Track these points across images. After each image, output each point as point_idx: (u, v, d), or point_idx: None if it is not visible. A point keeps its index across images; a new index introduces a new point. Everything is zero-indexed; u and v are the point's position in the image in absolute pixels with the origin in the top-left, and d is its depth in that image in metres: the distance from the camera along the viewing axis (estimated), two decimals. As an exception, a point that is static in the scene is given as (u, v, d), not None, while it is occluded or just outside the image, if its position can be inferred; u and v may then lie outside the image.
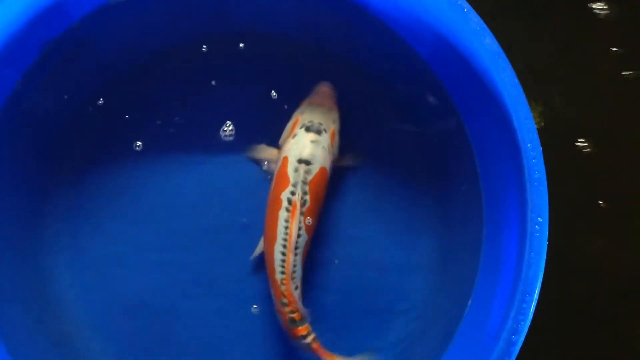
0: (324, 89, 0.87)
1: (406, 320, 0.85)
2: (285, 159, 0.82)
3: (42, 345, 0.81)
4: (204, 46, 0.88)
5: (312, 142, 0.82)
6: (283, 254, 0.79)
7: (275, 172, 0.83)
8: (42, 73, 0.80)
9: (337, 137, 0.85)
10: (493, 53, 0.72)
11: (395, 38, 0.80)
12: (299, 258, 0.80)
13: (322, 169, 0.82)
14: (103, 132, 0.88)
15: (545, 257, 0.69)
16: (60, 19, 0.78)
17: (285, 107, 0.88)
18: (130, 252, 0.86)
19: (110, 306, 0.85)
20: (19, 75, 0.78)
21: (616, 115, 0.96)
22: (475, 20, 0.73)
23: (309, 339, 0.80)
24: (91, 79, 0.86)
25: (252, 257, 0.85)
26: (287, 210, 0.79)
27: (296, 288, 0.80)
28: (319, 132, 0.83)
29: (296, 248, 0.79)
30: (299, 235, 0.79)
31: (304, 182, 0.80)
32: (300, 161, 0.81)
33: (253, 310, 0.86)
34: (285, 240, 0.79)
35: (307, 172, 0.81)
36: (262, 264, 0.84)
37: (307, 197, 0.80)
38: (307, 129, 0.83)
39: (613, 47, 0.96)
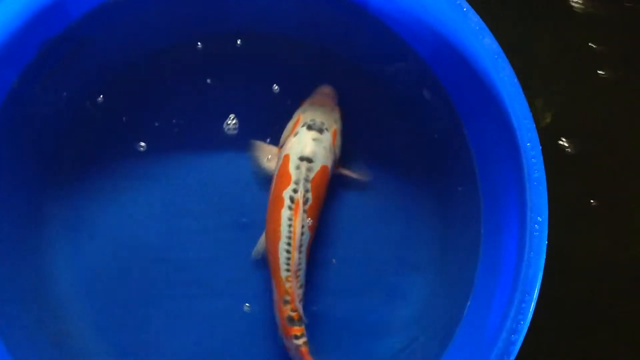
0: (326, 90, 0.87)
1: (405, 320, 0.85)
2: (287, 157, 0.82)
3: (42, 345, 0.81)
4: (199, 44, 0.88)
5: (314, 140, 0.82)
6: (288, 251, 0.79)
7: (276, 171, 0.83)
8: (41, 72, 0.80)
9: (339, 138, 0.85)
10: (492, 52, 0.72)
11: (395, 37, 0.80)
12: (303, 256, 0.80)
13: (324, 168, 0.82)
14: (102, 131, 0.88)
15: (545, 256, 0.69)
16: (58, 17, 0.78)
17: (288, 102, 0.88)
18: (130, 252, 0.86)
19: (110, 306, 0.85)
20: (18, 75, 0.78)
21: (617, 114, 0.96)
22: (474, 19, 0.73)
23: (301, 341, 0.80)
24: (91, 78, 0.86)
25: (253, 255, 0.85)
26: (290, 208, 0.79)
27: (300, 287, 0.80)
28: (320, 131, 0.83)
29: (300, 246, 0.79)
30: (302, 233, 0.79)
31: (306, 180, 0.80)
32: (302, 159, 0.81)
33: (245, 309, 0.86)
34: (289, 238, 0.79)
35: (308, 169, 0.81)
36: (258, 263, 0.84)
37: (309, 195, 0.80)
38: (309, 127, 0.83)
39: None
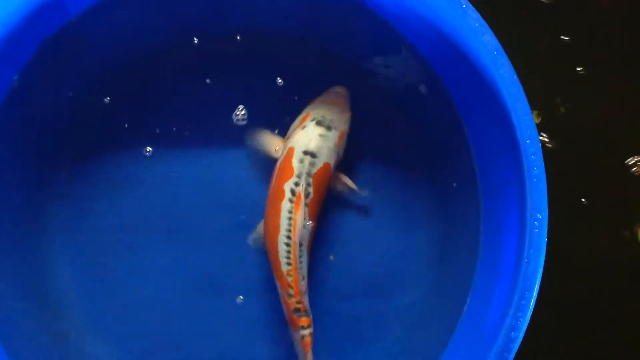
0: (340, 90, 0.87)
1: (405, 317, 0.85)
2: (291, 149, 0.81)
3: (42, 345, 0.81)
4: (198, 41, 0.88)
5: (321, 136, 0.82)
6: (287, 244, 0.78)
7: (279, 163, 0.82)
8: (41, 71, 0.80)
9: (345, 139, 0.85)
10: (492, 49, 0.72)
11: (394, 34, 0.80)
12: (304, 249, 0.80)
13: (326, 165, 0.82)
14: (103, 130, 0.88)
15: (544, 253, 0.69)
16: (57, 15, 0.78)
17: (295, 98, 0.88)
18: (130, 252, 0.86)
19: (110, 306, 0.85)
20: (17, 74, 0.78)
21: (617, 114, 0.96)
22: (474, 16, 0.73)
23: (307, 331, 0.80)
24: (91, 77, 0.86)
25: (249, 242, 0.85)
26: (291, 201, 0.79)
27: (302, 278, 0.80)
28: (328, 128, 0.83)
29: (301, 239, 0.79)
30: (303, 227, 0.79)
31: (308, 174, 0.80)
32: (306, 152, 0.81)
33: (238, 300, 0.86)
34: (289, 231, 0.78)
35: (311, 164, 0.80)
36: (254, 255, 0.84)
37: (311, 189, 0.80)
38: (318, 123, 0.83)
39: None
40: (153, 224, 0.87)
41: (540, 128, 0.91)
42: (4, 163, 0.80)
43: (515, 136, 0.71)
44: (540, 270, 0.68)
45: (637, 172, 0.92)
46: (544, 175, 0.70)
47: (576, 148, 0.94)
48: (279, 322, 0.84)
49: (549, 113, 0.94)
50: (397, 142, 0.89)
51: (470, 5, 0.73)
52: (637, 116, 0.95)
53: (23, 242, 0.84)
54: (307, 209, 0.79)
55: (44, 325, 0.82)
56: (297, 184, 0.79)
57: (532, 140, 0.70)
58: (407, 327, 0.84)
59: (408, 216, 0.88)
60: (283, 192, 0.79)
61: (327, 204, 0.86)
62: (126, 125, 0.88)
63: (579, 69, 0.95)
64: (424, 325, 0.84)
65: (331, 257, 0.87)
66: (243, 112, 0.87)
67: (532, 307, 0.68)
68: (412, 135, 0.88)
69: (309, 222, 0.80)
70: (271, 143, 0.86)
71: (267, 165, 0.85)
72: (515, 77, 0.71)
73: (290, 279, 0.79)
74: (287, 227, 0.79)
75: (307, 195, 0.79)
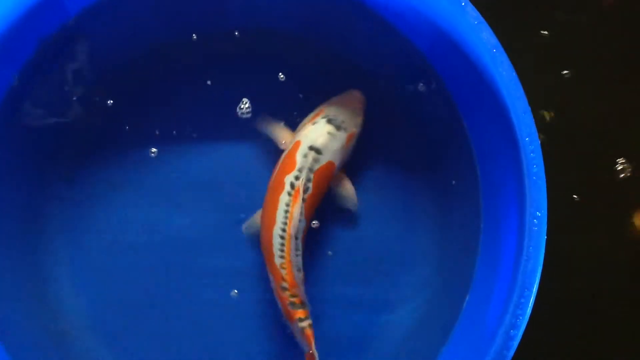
0: (356, 94, 0.87)
1: (404, 314, 0.85)
2: (298, 143, 0.82)
3: (42, 345, 0.81)
4: (197, 39, 0.88)
5: (329, 134, 0.82)
6: (282, 237, 0.78)
7: (283, 155, 0.82)
8: (40, 71, 0.80)
9: (353, 142, 0.85)
10: (491, 47, 0.72)
11: (393, 31, 0.81)
12: (299, 242, 0.80)
13: (330, 163, 0.82)
14: (103, 130, 0.88)
15: (544, 251, 0.69)
16: (56, 15, 0.78)
17: (300, 96, 0.89)
18: (130, 252, 0.86)
19: (110, 306, 0.85)
20: (17, 73, 0.78)
21: (617, 114, 0.96)
22: (473, 14, 0.73)
23: (306, 323, 0.79)
24: (90, 77, 0.86)
25: (243, 230, 0.85)
26: (289, 194, 0.79)
27: (299, 270, 0.80)
28: (338, 128, 0.83)
29: (296, 233, 0.79)
30: (299, 221, 0.79)
31: (310, 170, 0.80)
32: (311, 148, 0.81)
33: (233, 294, 0.86)
34: (284, 224, 0.78)
35: (315, 160, 0.80)
36: (250, 249, 0.84)
37: (310, 185, 0.80)
38: (329, 121, 0.83)
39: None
40: (154, 225, 0.87)
41: (541, 128, 0.91)
42: (4, 163, 0.80)
43: (514, 134, 0.71)
44: (540, 268, 0.68)
45: (637, 172, 0.92)
46: (544, 173, 0.70)
47: (576, 148, 0.94)
48: (274, 316, 0.84)
49: (548, 113, 0.94)
50: (397, 141, 0.89)
51: (469, 3, 0.73)
52: (637, 116, 0.95)
53: (23, 242, 0.84)
54: (304, 204, 0.79)
55: (44, 325, 0.82)
56: (297, 178, 0.79)
57: (531, 138, 0.70)
58: (406, 325, 0.84)
59: (408, 215, 0.88)
60: (283, 184, 0.79)
61: (328, 202, 0.86)
62: (126, 126, 0.88)
63: (576, 69, 0.95)
64: (423, 323, 0.83)
65: (329, 253, 0.87)
66: (247, 105, 0.87)
67: (532, 305, 0.68)
68: (411, 134, 0.88)
69: (314, 222, 0.81)
70: (280, 134, 0.86)
71: (269, 161, 0.86)
72: (515, 75, 0.71)
73: (284, 272, 0.78)
74: (283, 220, 0.79)
75: (305, 190, 0.79)
